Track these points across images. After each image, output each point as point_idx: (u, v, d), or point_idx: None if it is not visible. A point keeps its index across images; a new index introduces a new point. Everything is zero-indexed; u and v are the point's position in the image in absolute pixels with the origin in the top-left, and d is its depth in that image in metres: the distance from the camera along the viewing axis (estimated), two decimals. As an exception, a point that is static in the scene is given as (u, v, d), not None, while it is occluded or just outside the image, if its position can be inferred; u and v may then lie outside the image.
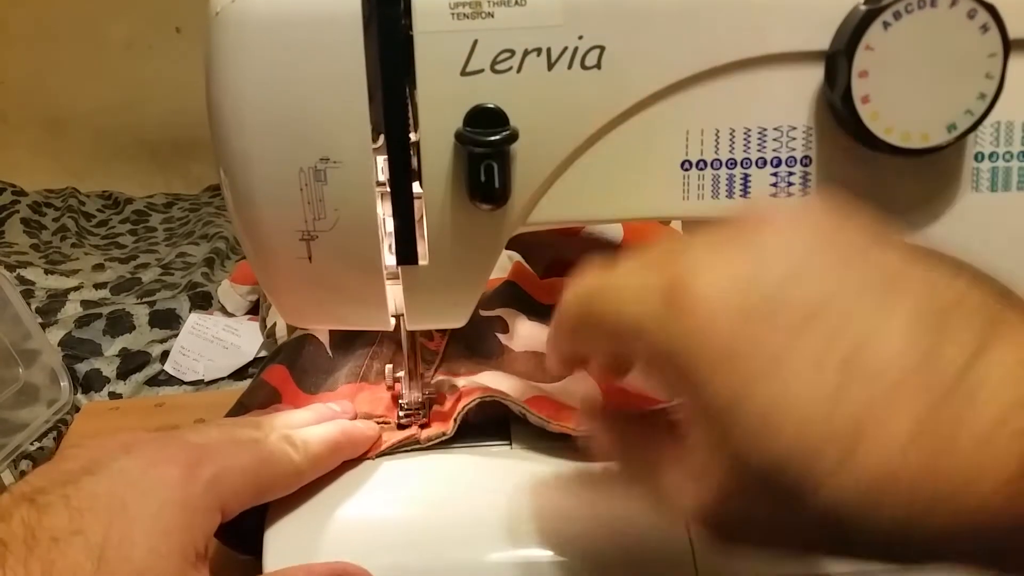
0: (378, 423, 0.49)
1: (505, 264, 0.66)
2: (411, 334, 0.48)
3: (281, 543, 0.42)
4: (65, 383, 0.72)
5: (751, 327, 0.26)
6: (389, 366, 0.50)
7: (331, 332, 0.59)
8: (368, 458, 0.47)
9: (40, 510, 0.33)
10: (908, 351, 0.25)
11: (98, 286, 0.97)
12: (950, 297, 0.26)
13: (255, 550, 0.42)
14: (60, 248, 1.16)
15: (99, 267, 1.06)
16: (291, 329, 0.66)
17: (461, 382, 0.52)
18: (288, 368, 0.55)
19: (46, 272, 1.01)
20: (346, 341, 0.58)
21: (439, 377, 0.53)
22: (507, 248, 0.64)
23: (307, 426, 0.45)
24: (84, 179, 1.47)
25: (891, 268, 0.27)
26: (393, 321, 0.44)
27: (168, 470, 0.36)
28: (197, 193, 1.46)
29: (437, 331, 0.60)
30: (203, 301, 0.90)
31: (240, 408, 0.53)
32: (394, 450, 0.47)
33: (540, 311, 0.61)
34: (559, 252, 0.69)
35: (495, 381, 0.51)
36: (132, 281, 0.99)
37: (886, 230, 0.28)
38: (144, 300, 0.89)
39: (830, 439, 0.25)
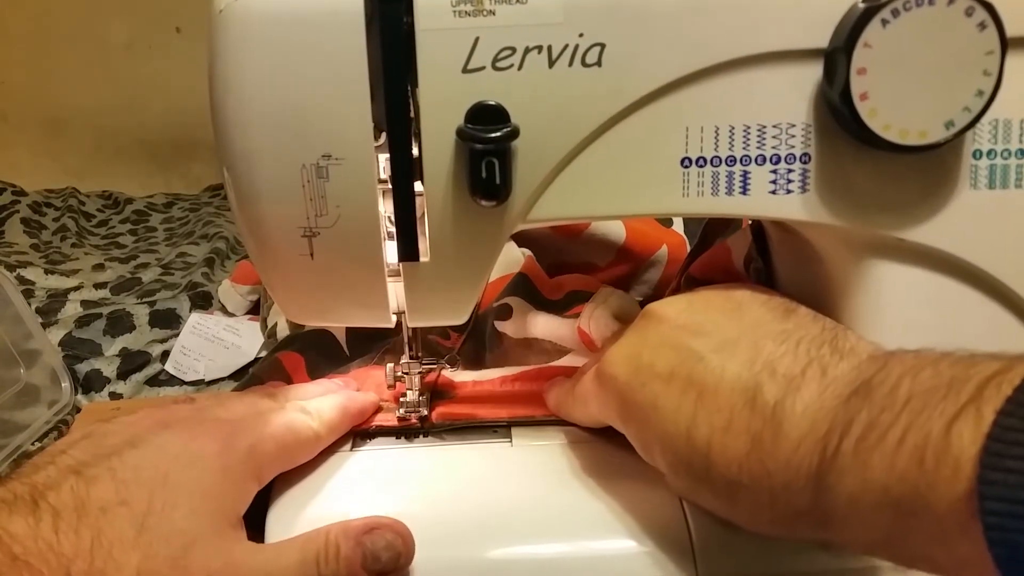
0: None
1: (519, 258, 0.67)
2: (414, 332, 0.49)
3: (282, 538, 0.42)
4: (66, 384, 0.72)
5: (636, 388, 0.39)
6: (390, 364, 0.50)
7: (347, 330, 0.60)
8: (368, 427, 0.49)
9: (88, 482, 0.35)
10: (738, 395, 0.35)
11: (98, 286, 0.97)
12: (777, 350, 0.36)
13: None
14: (60, 248, 1.16)
15: (99, 267, 1.07)
16: (293, 329, 0.67)
17: (461, 377, 0.53)
18: (303, 357, 0.57)
19: (46, 272, 1.01)
20: (361, 340, 0.59)
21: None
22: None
23: (316, 397, 0.48)
24: (84, 179, 1.47)
25: (731, 334, 0.38)
26: (394, 318, 0.44)
27: (207, 443, 0.39)
28: (197, 193, 1.46)
29: (452, 329, 0.61)
30: (203, 301, 0.90)
31: (253, 379, 0.57)
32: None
33: (546, 305, 0.63)
34: (563, 254, 0.70)
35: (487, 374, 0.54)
36: (132, 281, 0.99)
37: (746, 298, 0.41)
38: (144, 300, 0.89)
39: (690, 458, 0.36)
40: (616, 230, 0.68)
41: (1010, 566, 0.24)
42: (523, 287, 0.63)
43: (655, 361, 0.39)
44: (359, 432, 0.49)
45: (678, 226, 0.71)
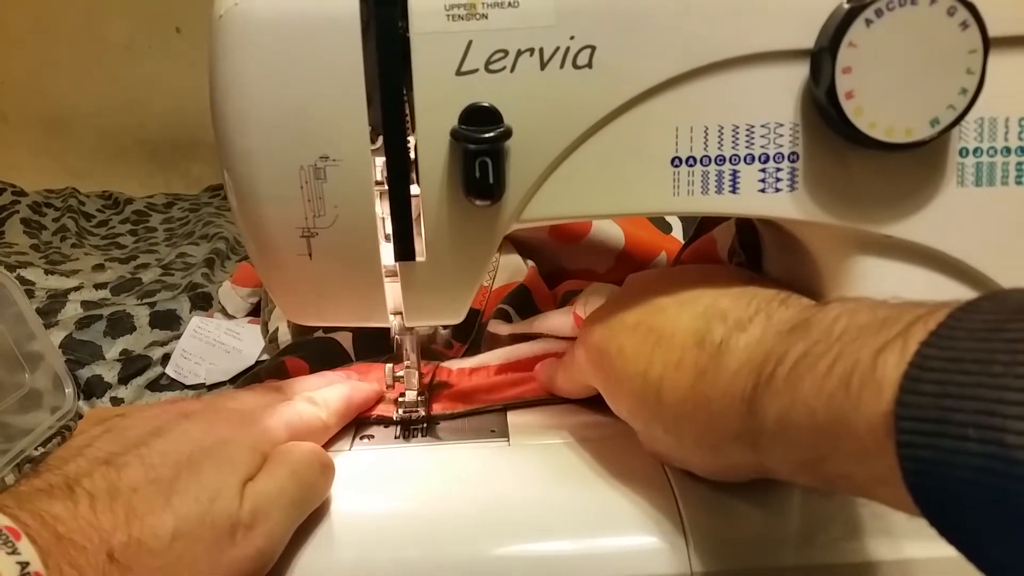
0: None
1: (523, 268, 0.67)
2: (415, 342, 0.50)
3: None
4: (70, 390, 0.71)
5: (608, 339, 0.43)
6: (389, 365, 0.51)
7: (354, 337, 0.61)
8: (370, 416, 0.51)
9: (119, 468, 0.37)
10: (691, 336, 0.39)
11: (98, 286, 0.97)
12: (732, 304, 0.39)
13: None
14: (60, 248, 1.17)
15: (99, 267, 1.07)
16: (296, 334, 0.68)
17: (458, 364, 0.54)
18: (307, 364, 0.58)
19: (46, 272, 1.01)
20: (368, 347, 0.60)
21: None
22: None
23: (320, 388, 0.50)
24: (84, 179, 1.47)
25: (694, 293, 0.42)
26: (392, 318, 0.45)
27: (225, 429, 0.41)
28: (197, 193, 1.46)
29: (456, 340, 0.61)
30: (203, 302, 0.90)
31: (255, 379, 0.58)
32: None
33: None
34: (563, 260, 0.70)
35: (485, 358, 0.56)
36: (132, 281, 0.99)
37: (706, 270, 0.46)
38: (144, 301, 0.90)
39: (645, 394, 0.40)
40: (615, 237, 0.68)
41: (915, 480, 0.26)
42: (521, 298, 0.64)
43: (625, 315, 0.43)
44: (361, 421, 0.51)
45: (677, 232, 0.71)
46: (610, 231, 0.69)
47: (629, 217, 0.64)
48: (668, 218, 0.68)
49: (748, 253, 0.50)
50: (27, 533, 0.31)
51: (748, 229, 0.50)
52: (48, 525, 0.33)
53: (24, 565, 0.30)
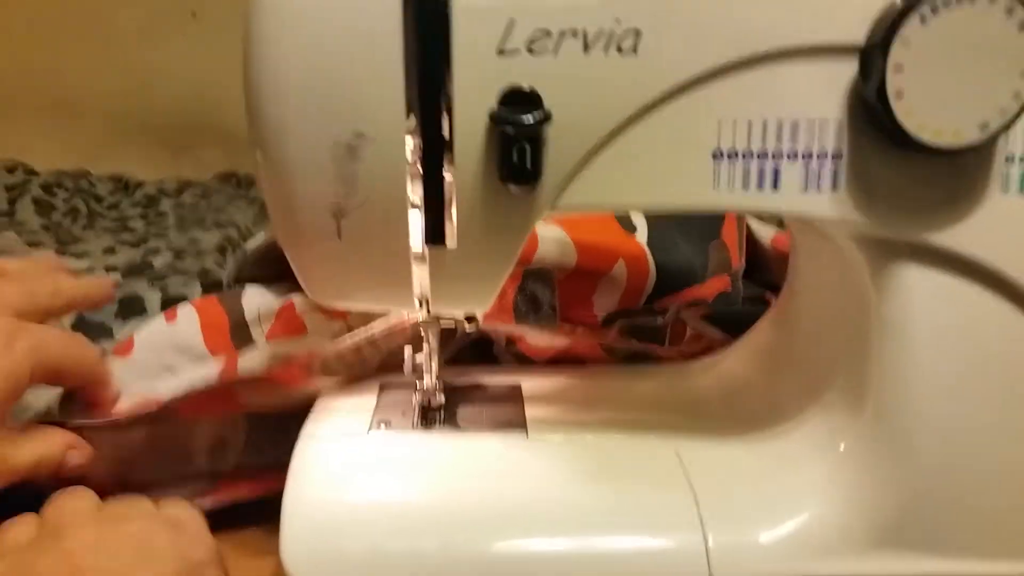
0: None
1: None
2: (437, 326, 0.49)
3: (298, 525, 0.42)
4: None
5: None
6: (408, 347, 0.50)
7: None
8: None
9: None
10: None
11: (109, 269, 0.96)
12: None
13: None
14: (71, 230, 1.16)
15: (110, 250, 1.06)
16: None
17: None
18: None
19: (58, 253, 1.00)
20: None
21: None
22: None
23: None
24: (95, 163, 1.46)
25: None
26: (418, 304, 0.44)
27: None
28: (208, 179, 1.46)
29: None
30: (215, 288, 0.89)
31: None
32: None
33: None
34: None
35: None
36: (143, 265, 0.99)
37: None
38: (156, 284, 0.89)
39: None
40: (566, 256, 0.59)
41: None
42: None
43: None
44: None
45: (641, 235, 0.63)
46: (559, 250, 0.59)
47: (594, 217, 0.61)
48: (634, 219, 0.65)
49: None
50: None
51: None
52: None
53: None
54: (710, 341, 0.59)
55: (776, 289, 0.56)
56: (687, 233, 0.64)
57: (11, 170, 1.30)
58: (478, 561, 0.41)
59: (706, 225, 0.65)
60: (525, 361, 0.59)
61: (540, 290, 0.58)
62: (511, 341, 0.57)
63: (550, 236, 0.58)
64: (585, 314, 0.60)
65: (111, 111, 1.61)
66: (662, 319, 0.60)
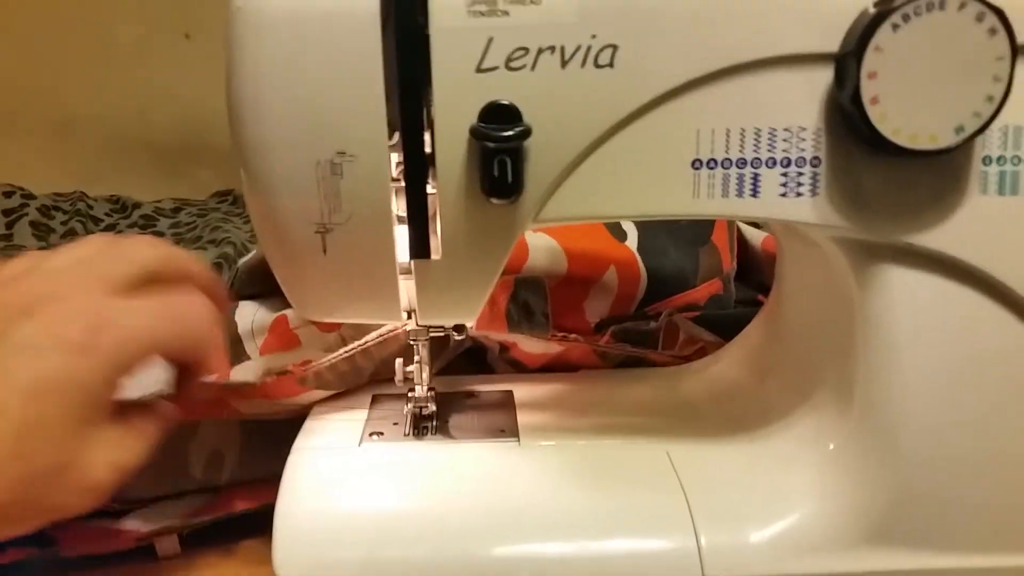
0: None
1: None
2: (427, 337, 0.49)
3: (290, 536, 0.42)
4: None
5: None
6: (400, 360, 0.50)
7: None
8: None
9: None
10: None
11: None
12: None
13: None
14: (68, 251, 1.16)
15: (107, 270, 1.06)
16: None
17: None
18: None
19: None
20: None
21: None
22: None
23: None
24: (92, 183, 1.47)
25: None
26: (405, 316, 0.45)
27: None
28: (204, 199, 1.46)
29: None
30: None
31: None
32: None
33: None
34: None
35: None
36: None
37: None
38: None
39: None
40: (557, 264, 0.61)
41: None
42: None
43: None
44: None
45: (632, 240, 0.64)
46: (549, 257, 0.61)
47: (584, 225, 0.62)
48: (624, 226, 0.64)
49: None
50: None
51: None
52: None
53: None
54: (703, 344, 0.59)
55: (768, 291, 0.56)
56: (677, 238, 0.65)
57: (8, 194, 1.30)
58: (471, 568, 0.41)
59: (696, 230, 0.66)
60: (519, 368, 0.59)
61: (532, 298, 0.59)
62: (504, 348, 0.58)
63: (540, 244, 0.59)
64: (578, 321, 0.61)
65: (107, 132, 1.62)
66: (654, 324, 0.60)
